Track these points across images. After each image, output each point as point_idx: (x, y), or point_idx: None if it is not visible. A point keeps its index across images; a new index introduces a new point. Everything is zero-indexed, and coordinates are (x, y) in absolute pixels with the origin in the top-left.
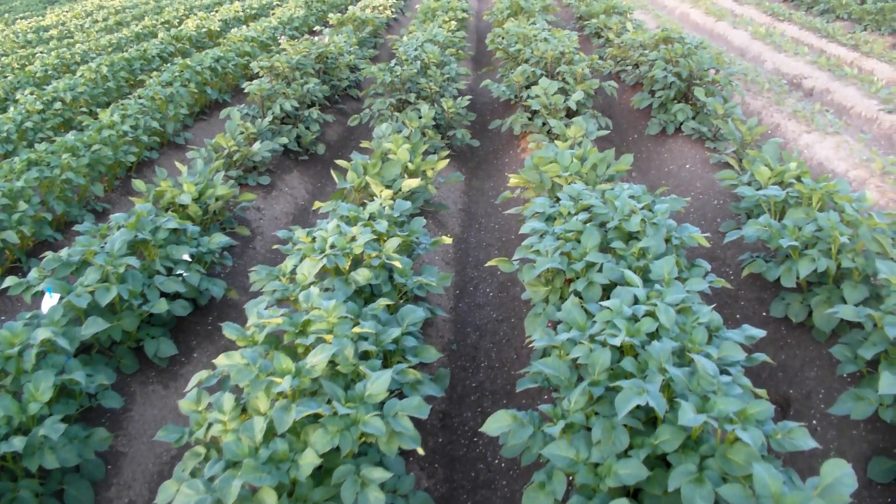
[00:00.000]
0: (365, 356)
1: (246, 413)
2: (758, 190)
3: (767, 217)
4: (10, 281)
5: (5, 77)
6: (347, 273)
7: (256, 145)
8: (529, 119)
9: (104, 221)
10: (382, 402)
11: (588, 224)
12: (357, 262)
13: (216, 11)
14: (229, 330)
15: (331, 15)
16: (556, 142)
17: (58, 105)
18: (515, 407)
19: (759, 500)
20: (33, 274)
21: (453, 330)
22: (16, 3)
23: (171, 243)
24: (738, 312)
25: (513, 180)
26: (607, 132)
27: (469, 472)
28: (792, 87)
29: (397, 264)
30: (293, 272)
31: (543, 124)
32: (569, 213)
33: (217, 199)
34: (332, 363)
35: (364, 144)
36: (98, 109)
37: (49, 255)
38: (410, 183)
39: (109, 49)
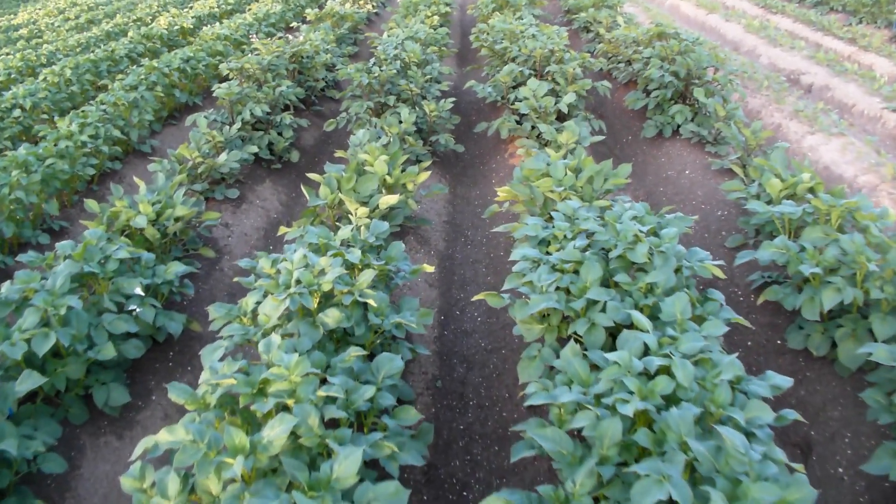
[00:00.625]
0: (333, 423)
1: (195, 494)
2: (768, 203)
3: (784, 239)
4: None
5: None
6: (315, 313)
7: (223, 156)
8: (518, 123)
9: (62, 241)
10: (353, 486)
11: (588, 252)
12: (328, 297)
13: (190, 8)
14: (176, 393)
15: (308, 10)
16: (547, 149)
17: (17, 112)
18: (508, 462)
19: None
20: None
21: (438, 363)
22: None
23: (123, 274)
24: (750, 339)
25: (502, 195)
26: (602, 137)
27: None
28: (790, 84)
29: (372, 302)
30: (255, 311)
31: (533, 128)
32: (564, 236)
33: (177, 221)
34: (294, 434)
35: (339, 154)
36: (62, 117)
37: None
38: (388, 200)
39: (78, 49)
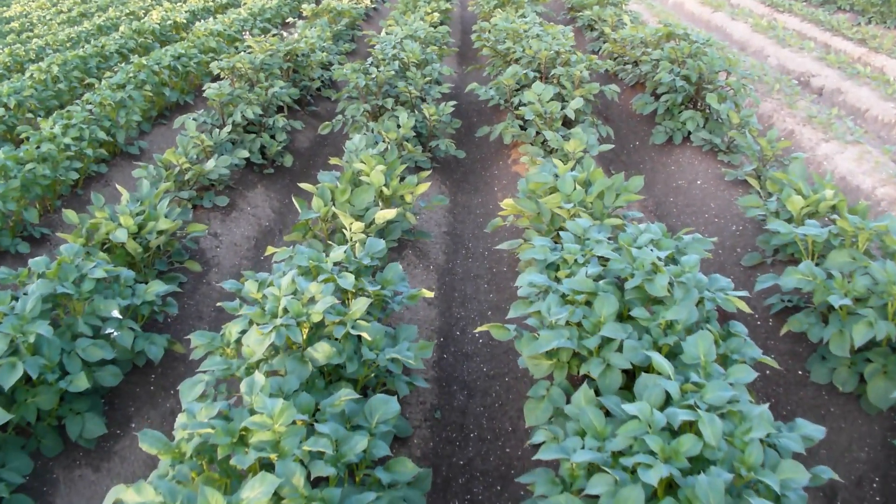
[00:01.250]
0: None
1: None
2: (788, 221)
3: (810, 265)
4: None
5: None
6: (304, 346)
7: (211, 163)
8: (521, 128)
9: (43, 249)
10: None
11: (602, 282)
12: (319, 327)
13: (184, 2)
14: (148, 442)
15: (305, 6)
16: (553, 159)
17: (0, 111)
18: (513, 502)
19: None
20: None
21: (437, 390)
22: None
23: (100, 293)
24: (769, 368)
25: (506, 209)
26: (611, 146)
27: None
28: (800, 86)
29: (366, 335)
30: (239, 340)
31: (537, 133)
32: (575, 261)
33: (160, 234)
34: (276, 495)
35: (334, 161)
36: (48, 116)
37: None
38: (385, 214)
39: (68, 44)
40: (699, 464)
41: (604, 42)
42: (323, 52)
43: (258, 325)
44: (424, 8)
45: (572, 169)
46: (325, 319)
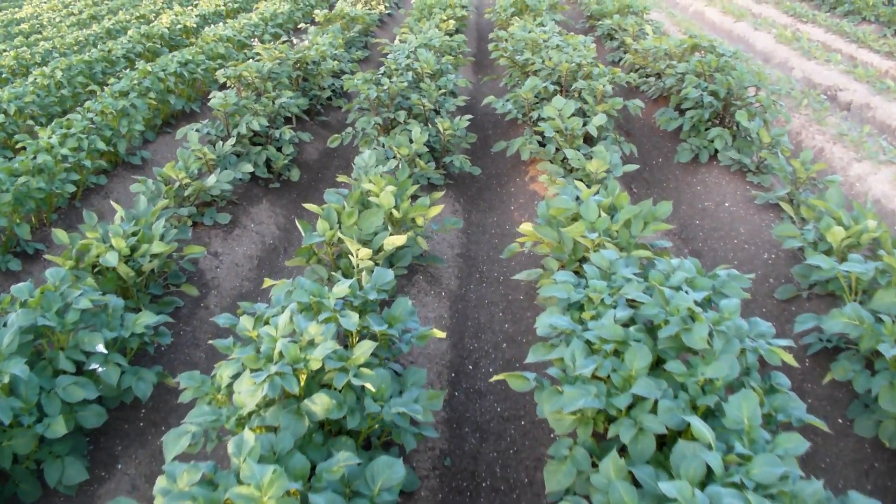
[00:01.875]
0: None
1: None
2: (827, 252)
3: (856, 308)
4: None
5: None
6: (301, 397)
7: (212, 178)
8: (540, 144)
9: (37, 266)
10: None
11: (632, 329)
12: (318, 373)
13: (195, 5)
14: None
15: (317, 11)
16: (575, 181)
17: (0, 118)
18: None
19: None
20: None
21: (447, 433)
22: None
23: (86, 322)
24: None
25: (524, 234)
26: (636, 167)
27: None
28: (827, 101)
29: (369, 386)
30: (231, 385)
31: (557, 150)
32: (602, 301)
33: (153, 258)
34: None
35: (341, 178)
36: (50, 123)
37: None
38: (395, 241)
39: (75, 48)
40: None
41: (624, 52)
42: (334, 60)
43: (251, 370)
44: (440, 15)
45: (595, 192)
46: (324, 366)
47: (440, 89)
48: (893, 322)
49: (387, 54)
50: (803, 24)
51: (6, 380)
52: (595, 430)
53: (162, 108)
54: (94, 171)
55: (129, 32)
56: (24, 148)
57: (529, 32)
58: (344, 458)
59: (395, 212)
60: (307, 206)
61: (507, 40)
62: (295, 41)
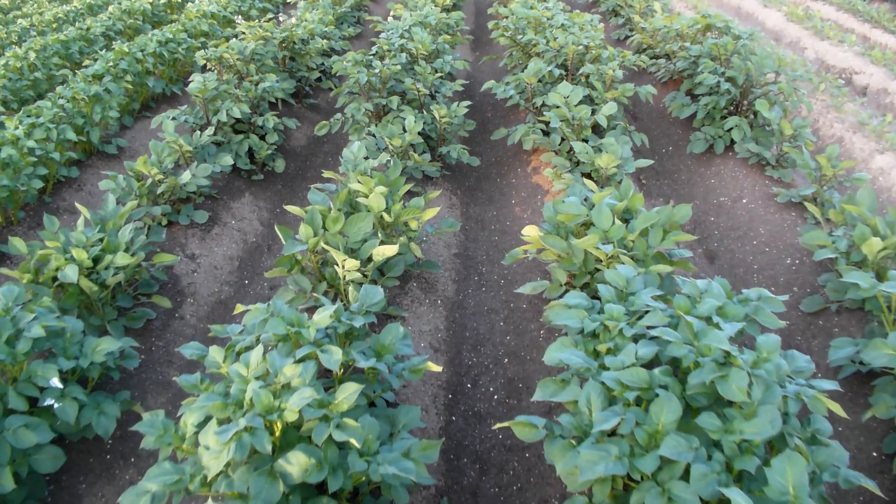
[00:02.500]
0: None
1: None
2: (859, 262)
3: None
4: None
5: None
6: (275, 455)
7: (185, 175)
8: (544, 132)
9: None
10: None
11: (658, 371)
12: (295, 427)
13: None
14: None
15: None
16: (585, 180)
17: None
18: None
19: None
20: None
21: (443, 465)
22: None
23: (41, 348)
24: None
25: (528, 240)
26: (650, 162)
27: None
28: (845, 85)
29: (354, 442)
30: (196, 433)
31: (563, 140)
32: (620, 331)
33: (118, 270)
34: None
35: (327, 174)
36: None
37: None
38: (385, 251)
39: (54, 25)
40: None
41: (630, 30)
42: (324, 38)
43: (218, 421)
44: None
45: (604, 187)
46: (302, 416)
47: (436, 72)
48: None
49: (379, 32)
50: (814, 2)
51: None
52: (613, 489)
53: (140, 92)
54: (65, 162)
55: (110, 8)
56: None
57: (531, 9)
58: None
59: (385, 215)
60: (289, 207)
61: (507, 17)
62: (283, 17)
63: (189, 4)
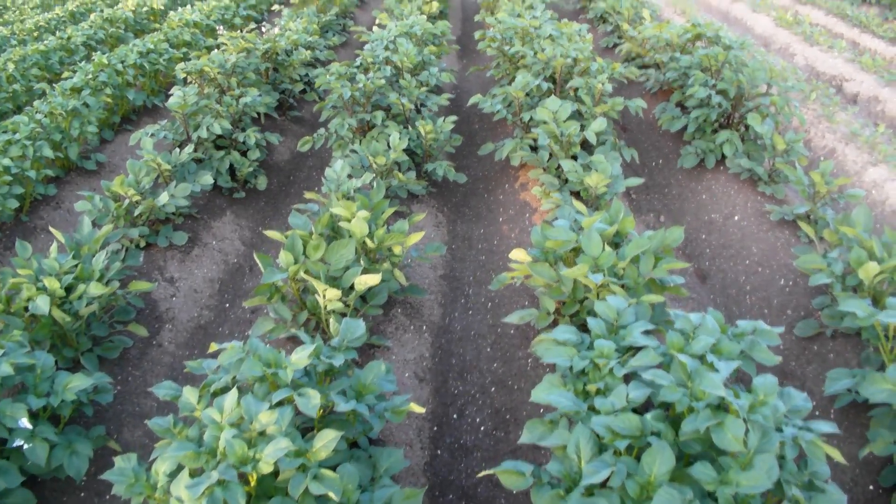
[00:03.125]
0: None
1: None
2: (856, 288)
3: None
4: None
5: None
6: None
7: (163, 196)
8: (532, 148)
9: None
10: None
11: (649, 416)
12: (272, 475)
13: None
14: None
15: None
16: (574, 202)
17: None
18: None
19: None
20: None
21: (429, 500)
22: None
23: (9, 385)
24: (835, 479)
25: (515, 267)
26: (640, 181)
27: None
28: (836, 94)
29: (332, 496)
30: (168, 482)
31: (551, 156)
32: (610, 371)
33: (90, 303)
34: None
35: (309, 195)
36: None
37: None
38: (367, 280)
39: (35, 34)
40: None
41: (619, 38)
42: (308, 49)
43: (190, 471)
44: None
45: (593, 207)
46: (278, 466)
47: (422, 85)
48: None
49: (363, 42)
50: (802, 6)
51: None
52: None
53: (121, 105)
54: (43, 180)
55: (91, 17)
56: None
57: (518, 17)
58: None
59: (368, 241)
60: (269, 233)
61: (494, 27)
62: (267, 27)
63: (171, 13)
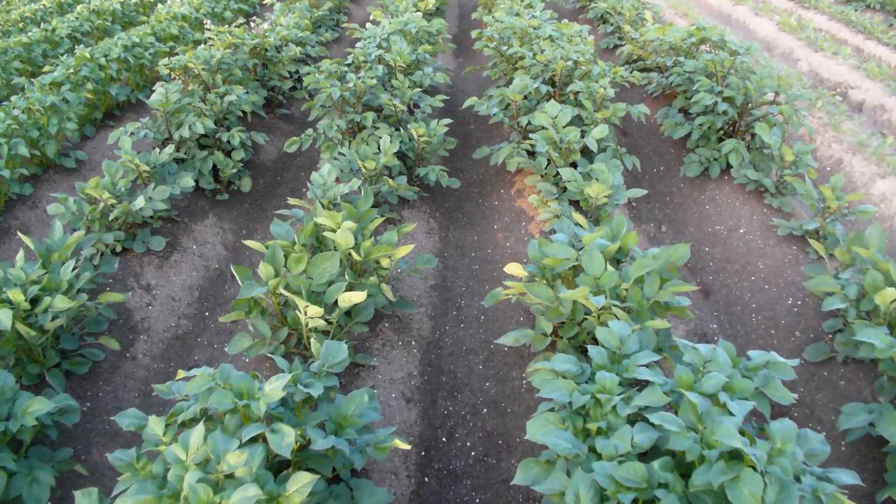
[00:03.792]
0: None
1: None
2: (871, 313)
3: None
4: None
5: None
6: None
7: (140, 200)
8: (529, 153)
9: None
10: None
11: (657, 464)
12: None
13: None
14: None
15: None
16: (574, 214)
17: None
18: None
19: None
20: None
21: None
22: None
23: None
24: None
25: (511, 283)
26: (643, 192)
27: None
28: (842, 102)
29: None
30: None
31: (549, 163)
32: (613, 409)
33: (57, 316)
34: None
35: (293, 201)
36: None
37: None
38: (351, 297)
39: (21, 25)
40: None
41: (619, 38)
42: (299, 45)
43: None
44: None
45: (593, 218)
46: None
47: (415, 85)
48: None
49: (356, 40)
50: (805, 10)
51: None
52: None
53: (103, 100)
54: (18, 178)
55: (78, 8)
56: None
57: (517, 16)
58: None
59: (354, 254)
60: (248, 243)
61: (492, 26)
62: (257, 22)
63: (160, 6)
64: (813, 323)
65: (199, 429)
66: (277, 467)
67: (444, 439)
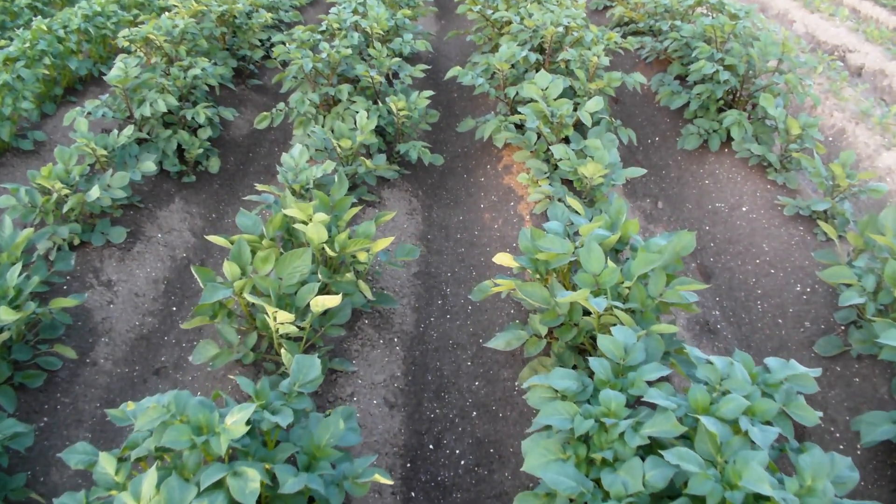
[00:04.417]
0: None
1: None
2: (890, 306)
3: None
4: None
5: None
6: None
7: (95, 189)
8: (517, 127)
9: None
10: None
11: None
12: None
13: None
14: None
15: None
16: (568, 198)
17: None
18: None
19: None
20: None
21: None
22: None
23: None
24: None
25: (501, 272)
26: (643, 171)
27: None
28: (844, 68)
29: None
30: None
31: (539, 137)
32: (620, 437)
33: (1, 330)
34: None
35: (261, 187)
36: None
37: None
38: (325, 301)
39: None
40: None
41: (611, 0)
42: (270, 10)
43: None
44: None
45: (588, 199)
46: None
47: (394, 54)
48: None
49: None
50: None
51: None
52: None
53: (63, 75)
54: None
55: None
56: None
57: None
58: None
59: (328, 248)
60: (211, 238)
61: None
62: None
63: None
64: (824, 312)
65: (152, 475)
66: None
67: (430, 447)
